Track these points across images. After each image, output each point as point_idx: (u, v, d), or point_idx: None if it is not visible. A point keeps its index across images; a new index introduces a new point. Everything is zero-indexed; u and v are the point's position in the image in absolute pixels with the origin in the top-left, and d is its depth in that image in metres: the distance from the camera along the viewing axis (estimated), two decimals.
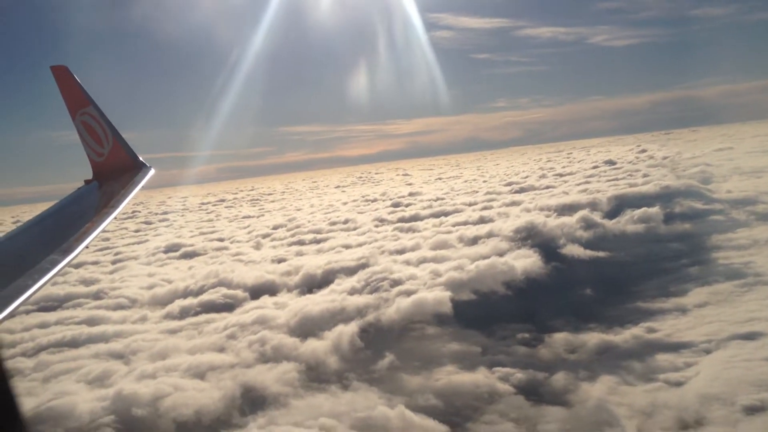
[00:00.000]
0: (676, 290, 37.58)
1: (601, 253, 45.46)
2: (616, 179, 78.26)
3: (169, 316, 37.23)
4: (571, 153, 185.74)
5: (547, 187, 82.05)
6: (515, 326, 33.80)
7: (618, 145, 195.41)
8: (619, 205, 57.18)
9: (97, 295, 42.45)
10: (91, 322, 35.93)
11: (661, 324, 32.71)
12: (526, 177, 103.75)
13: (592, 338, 31.59)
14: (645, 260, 45.02)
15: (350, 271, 41.64)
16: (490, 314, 35.05)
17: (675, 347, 29.27)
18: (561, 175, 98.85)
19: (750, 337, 28.54)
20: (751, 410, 21.86)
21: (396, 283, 37.36)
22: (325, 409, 22.55)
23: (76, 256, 7.00)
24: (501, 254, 42.54)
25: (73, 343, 31.98)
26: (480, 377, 27.46)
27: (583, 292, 38.78)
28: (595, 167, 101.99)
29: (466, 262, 39.79)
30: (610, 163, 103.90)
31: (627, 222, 51.92)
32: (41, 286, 5.84)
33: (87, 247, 7.57)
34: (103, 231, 8.52)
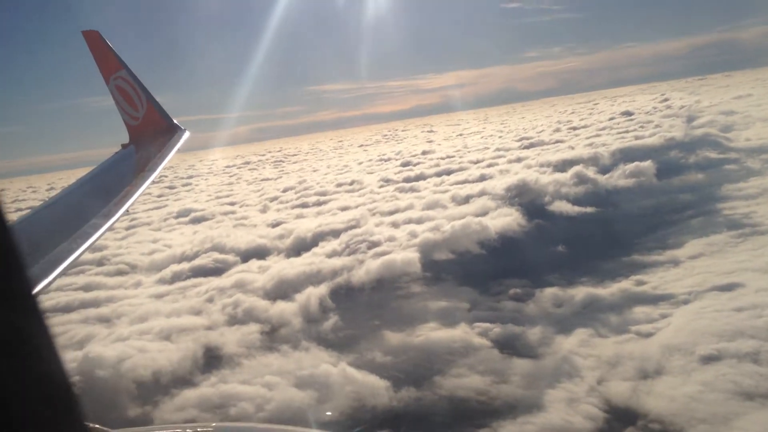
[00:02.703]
0: (675, 242, 37.98)
1: (590, 209, 45.78)
2: (626, 131, 77.53)
3: (161, 281, 38.26)
4: (597, 103, 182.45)
5: (557, 142, 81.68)
6: (509, 282, 34.48)
7: (647, 94, 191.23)
8: (620, 159, 56.86)
9: (100, 262, 43.28)
10: (87, 288, 36.88)
11: (651, 276, 33.30)
12: (541, 131, 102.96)
13: (580, 292, 32.22)
14: (648, 213, 45.32)
15: (338, 234, 42.27)
16: (479, 272, 35.85)
17: (656, 299, 30.00)
18: (575, 128, 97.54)
19: (728, 288, 29.10)
20: (707, 359, 22.67)
21: (374, 244, 38.12)
22: (274, 368, 23.91)
23: (118, 219, 7.31)
24: (484, 213, 43.16)
25: (66, 308, 33.04)
26: (458, 333, 28.38)
27: (578, 248, 39.07)
28: (611, 119, 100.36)
29: (444, 222, 40.61)
30: (627, 114, 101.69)
31: (619, 177, 52.05)
32: (85, 250, 6.20)
33: (127, 211, 7.87)
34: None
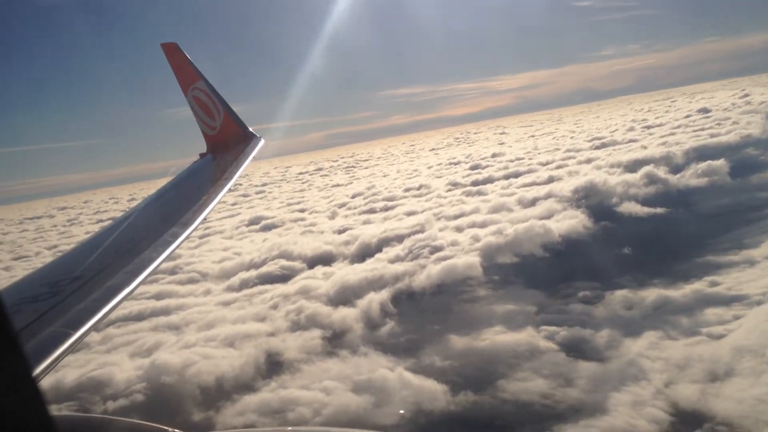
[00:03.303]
0: (751, 242, 36.89)
1: (660, 209, 44.64)
2: (702, 129, 75.22)
3: (229, 289, 38.91)
4: (675, 101, 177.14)
5: (630, 141, 79.62)
6: (578, 285, 34.04)
7: (727, 90, 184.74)
8: (694, 158, 55.24)
9: (173, 271, 43.96)
10: (159, 296, 37.69)
11: (725, 277, 32.46)
12: (614, 131, 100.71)
13: (652, 294, 31.52)
14: (722, 213, 44.14)
15: (402, 239, 42.26)
16: (546, 275, 35.47)
17: (729, 300, 29.18)
18: (649, 127, 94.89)
19: None
20: None
21: (436, 249, 38.07)
22: (332, 373, 24.26)
23: (196, 227, 7.42)
24: (549, 216, 42.73)
25: (138, 317, 33.97)
26: (524, 336, 28.11)
27: (649, 249, 38.31)
28: (687, 117, 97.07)
29: (507, 226, 40.33)
30: (704, 111, 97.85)
31: (691, 176, 50.65)
32: (165, 259, 6.30)
33: (205, 218, 7.99)
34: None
